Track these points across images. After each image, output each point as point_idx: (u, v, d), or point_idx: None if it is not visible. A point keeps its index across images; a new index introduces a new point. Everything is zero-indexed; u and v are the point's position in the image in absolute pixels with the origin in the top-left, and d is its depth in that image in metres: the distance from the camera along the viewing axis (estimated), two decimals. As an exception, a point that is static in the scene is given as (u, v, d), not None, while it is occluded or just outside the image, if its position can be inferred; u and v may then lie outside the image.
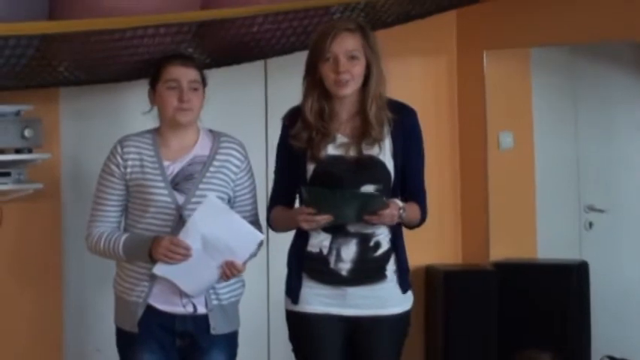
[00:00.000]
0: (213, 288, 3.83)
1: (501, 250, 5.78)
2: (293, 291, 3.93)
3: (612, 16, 5.39)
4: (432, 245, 5.64)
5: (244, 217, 3.83)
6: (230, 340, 4.00)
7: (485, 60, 5.84)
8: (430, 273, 5.66)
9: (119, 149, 3.81)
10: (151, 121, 3.85)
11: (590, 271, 5.74)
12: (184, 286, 3.72)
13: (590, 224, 6.26)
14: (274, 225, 3.98)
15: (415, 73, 5.69)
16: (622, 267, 6.23)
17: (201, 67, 3.91)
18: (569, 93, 6.23)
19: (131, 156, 3.80)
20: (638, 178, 6.31)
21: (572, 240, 6.18)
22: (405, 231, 3.91)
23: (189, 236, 3.65)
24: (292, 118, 3.91)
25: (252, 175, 4.00)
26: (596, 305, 5.77)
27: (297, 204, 3.89)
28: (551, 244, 5.99)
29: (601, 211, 6.26)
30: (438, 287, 5.58)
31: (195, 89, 3.79)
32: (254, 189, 4.00)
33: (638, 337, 6.10)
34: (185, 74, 3.78)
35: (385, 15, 4.69)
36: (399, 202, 3.80)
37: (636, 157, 6.31)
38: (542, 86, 6.07)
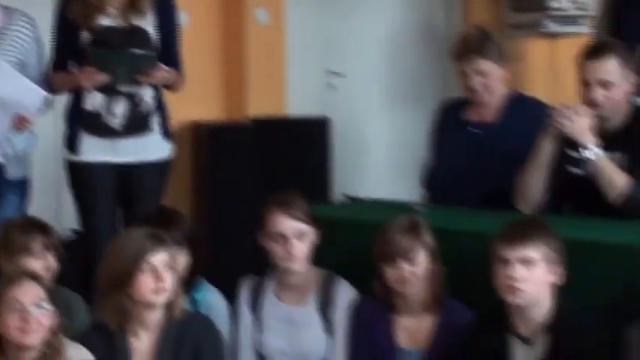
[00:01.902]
0: (8, 139, 4.22)
1: (257, 107, 6.05)
2: (72, 143, 4.39)
3: None
4: (199, 102, 5.85)
5: (33, 79, 4.19)
6: (22, 186, 4.44)
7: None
8: (196, 129, 5.92)
9: None
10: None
11: (332, 126, 6.14)
12: None
13: (333, 86, 6.61)
14: (55, 87, 4.36)
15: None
16: (359, 122, 6.67)
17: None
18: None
19: None
20: (374, 48, 6.76)
21: (317, 99, 6.51)
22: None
23: None
24: None
25: (40, 44, 4.38)
26: (338, 155, 6.16)
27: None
28: (299, 103, 6.29)
29: (343, 76, 6.63)
30: (203, 141, 5.88)
31: None
32: (43, 56, 4.38)
33: (372, 181, 6.57)
34: None
35: None
36: (164, 67, 4.35)
37: (373, 29, 6.74)
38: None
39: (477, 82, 4.26)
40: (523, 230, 3.34)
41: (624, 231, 3.68)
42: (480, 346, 3.42)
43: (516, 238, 3.32)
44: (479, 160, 4.23)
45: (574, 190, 3.98)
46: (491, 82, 4.28)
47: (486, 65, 4.26)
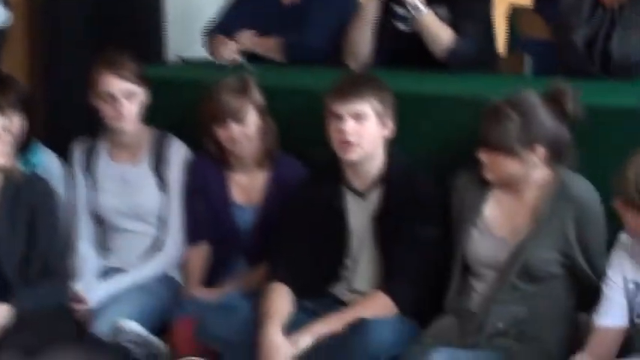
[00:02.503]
0: None
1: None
2: None
3: None
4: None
5: None
6: None
7: None
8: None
9: None
10: None
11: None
12: None
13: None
14: None
15: None
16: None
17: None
18: None
19: None
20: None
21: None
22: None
23: None
24: None
25: None
26: (171, 17, 5.64)
27: None
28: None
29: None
30: (38, 7, 5.19)
31: None
32: None
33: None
34: None
35: None
36: None
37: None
38: None
39: None
40: (354, 85, 3.28)
41: (452, 84, 3.68)
42: (313, 199, 3.39)
43: (348, 93, 3.26)
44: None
45: (401, 45, 3.95)
46: None
47: None
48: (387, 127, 3.32)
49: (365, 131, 3.26)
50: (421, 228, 3.26)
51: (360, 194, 3.36)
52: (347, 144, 3.25)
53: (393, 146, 3.38)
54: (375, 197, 3.34)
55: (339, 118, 3.26)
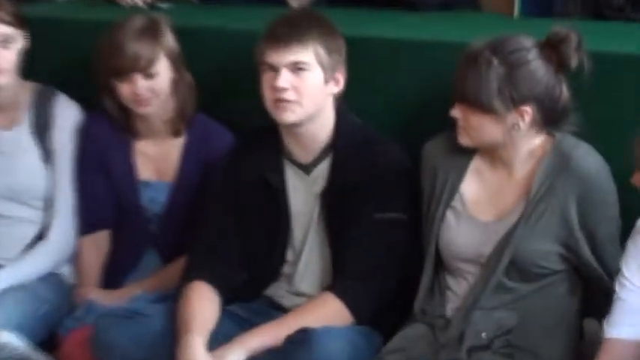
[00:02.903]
0: None
1: None
2: None
3: None
4: None
5: None
6: None
7: None
8: None
9: None
10: None
11: None
12: None
13: None
14: None
15: None
16: None
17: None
18: None
19: None
20: None
21: None
22: None
23: None
24: None
25: None
26: None
27: None
28: None
29: None
30: None
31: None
32: None
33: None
34: None
35: None
36: None
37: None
38: None
39: None
40: (292, 27, 2.99)
41: (422, 27, 3.51)
42: (243, 174, 3.12)
43: (284, 38, 2.97)
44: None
45: None
46: None
47: None
48: (336, 81, 3.04)
49: (306, 86, 2.98)
50: (382, 210, 3.02)
51: (303, 167, 3.11)
52: (282, 102, 2.98)
53: (344, 106, 3.12)
54: (322, 171, 3.09)
55: (273, 69, 2.98)
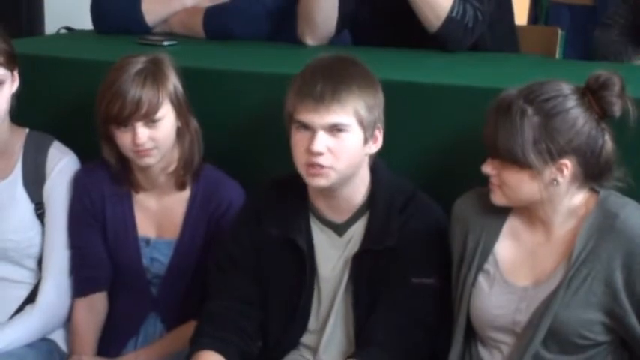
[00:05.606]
0: None
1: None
2: None
3: None
4: None
5: None
6: None
7: None
8: None
9: None
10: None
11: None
12: None
13: None
14: None
15: None
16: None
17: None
18: None
19: None
20: None
21: None
22: None
23: None
24: None
25: None
26: None
27: None
28: None
29: None
30: None
31: None
32: None
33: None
34: None
35: None
36: None
37: None
38: None
39: None
40: (332, 83, 2.72)
41: (453, 70, 3.31)
42: (264, 235, 2.88)
43: (323, 98, 2.71)
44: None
45: (377, 12, 3.58)
46: None
47: None
48: (375, 139, 2.81)
49: (344, 149, 2.73)
50: (418, 275, 2.81)
51: (335, 228, 2.87)
52: (316, 166, 2.74)
53: (378, 161, 2.90)
54: (356, 233, 2.87)
55: (307, 128, 2.72)
